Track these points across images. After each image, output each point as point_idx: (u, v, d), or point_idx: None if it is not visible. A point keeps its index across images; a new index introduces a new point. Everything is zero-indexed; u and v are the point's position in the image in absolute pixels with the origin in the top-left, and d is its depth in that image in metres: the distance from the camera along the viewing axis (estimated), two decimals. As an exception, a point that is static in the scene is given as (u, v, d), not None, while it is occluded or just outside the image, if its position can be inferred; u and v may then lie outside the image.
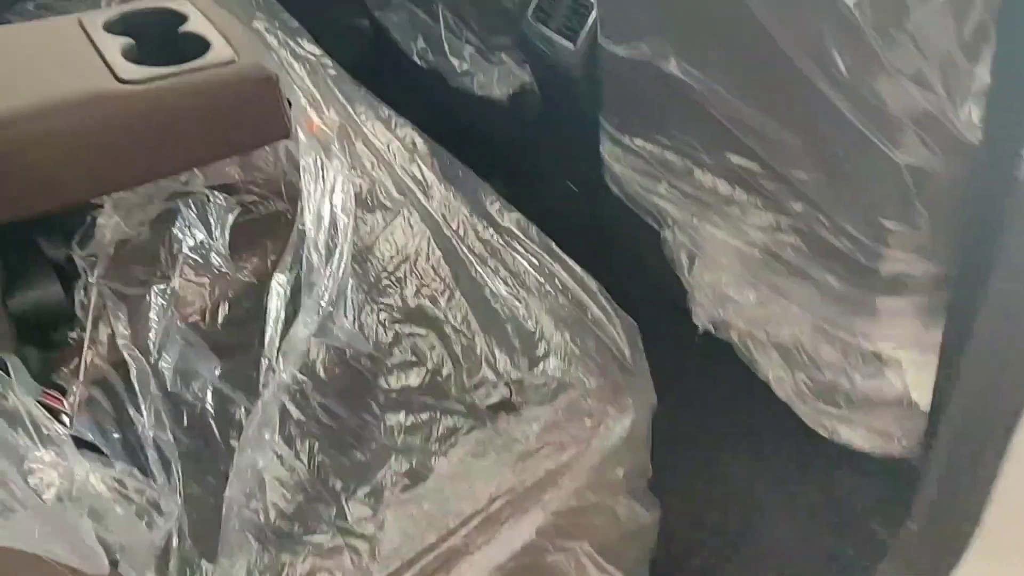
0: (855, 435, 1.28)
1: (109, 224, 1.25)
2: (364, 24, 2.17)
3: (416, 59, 1.92)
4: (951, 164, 1.02)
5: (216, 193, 1.30)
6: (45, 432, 0.89)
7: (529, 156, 1.86)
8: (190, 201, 1.27)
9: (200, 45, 1.26)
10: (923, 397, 1.18)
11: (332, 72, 1.60)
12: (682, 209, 1.39)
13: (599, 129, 1.53)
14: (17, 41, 1.30)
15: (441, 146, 1.54)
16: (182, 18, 1.31)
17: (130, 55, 1.23)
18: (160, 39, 1.30)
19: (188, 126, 1.20)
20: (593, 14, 1.46)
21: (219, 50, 1.23)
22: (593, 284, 1.25)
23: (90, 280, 1.20)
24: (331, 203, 1.24)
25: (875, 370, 1.23)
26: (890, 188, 1.08)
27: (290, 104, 1.32)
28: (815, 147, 1.15)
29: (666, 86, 1.28)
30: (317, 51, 1.66)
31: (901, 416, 1.23)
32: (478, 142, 1.82)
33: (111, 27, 1.28)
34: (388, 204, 1.33)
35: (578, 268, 1.26)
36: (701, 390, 1.67)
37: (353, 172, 1.36)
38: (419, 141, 1.49)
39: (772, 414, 1.35)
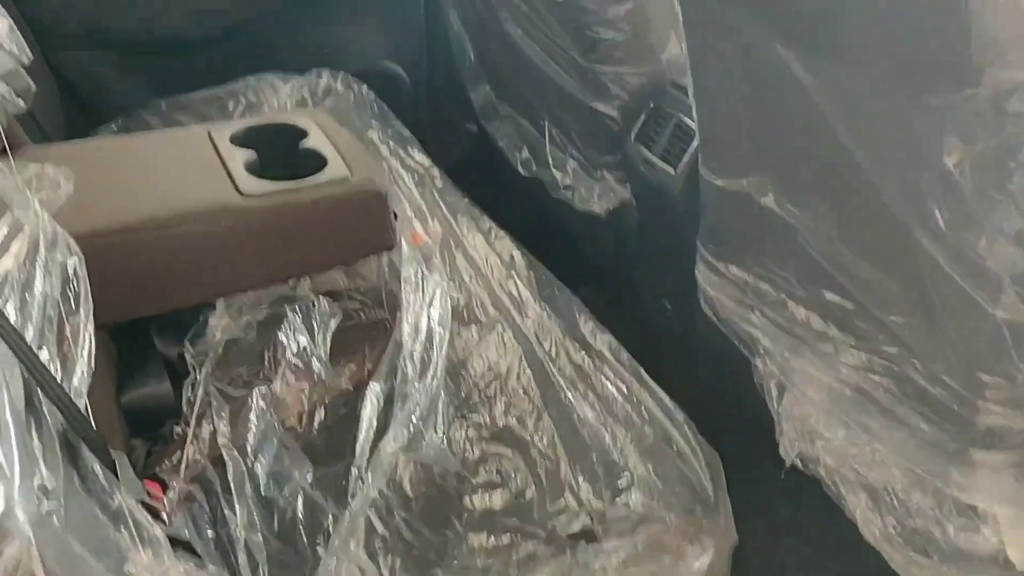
0: (947, 588, 1.24)
1: (220, 324, 1.31)
2: (472, 129, 2.25)
3: (520, 168, 1.98)
4: (1052, 322, 1.00)
5: (321, 298, 1.35)
6: (145, 534, 0.93)
7: (625, 271, 1.88)
8: (296, 306, 1.33)
9: (317, 160, 1.34)
10: (1019, 556, 1.14)
11: (438, 183, 1.67)
12: (774, 340, 1.39)
13: (695, 252, 1.54)
14: (152, 149, 1.40)
15: (539, 253, 1.57)
16: (303, 133, 1.40)
17: (252, 167, 1.32)
18: (282, 152, 1.38)
19: (301, 238, 1.27)
20: (694, 143, 1.49)
21: (334, 167, 1.31)
22: (680, 415, 1.26)
23: (198, 378, 1.26)
24: (429, 316, 1.28)
25: (969, 523, 1.19)
26: (987, 341, 1.06)
27: (396, 216, 1.38)
28: (911, 293, 1.14)
29: (763, 219, 1.30)
30: (426, 161, 1.74)
31: (996, 573, 1.18)
32: (575, 253, 1.86)
33: (237, 139, 1.38)
34: (483, 319, 1.37)
35: (666, 398, 1.27)
36: (786, 525, 1.63)
37: (452, 285, 1.40)
38: (517, 255, 1.53)
39: (859, 556, 1.32)
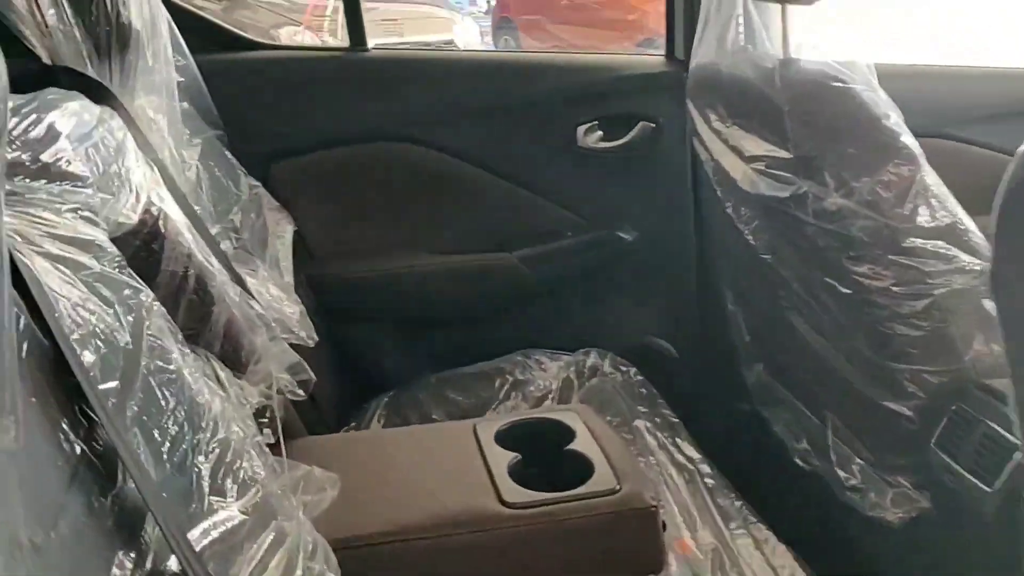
0: None
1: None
2: (745, 409, 2.12)
3: (797, 460, 1.82)
4: None
5: (578, 614, 1.24)
6: None
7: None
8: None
9: (584, 466, 1.27)
10: None
11: (709, 481, 1.55)
12: None
13: (1022, 582, 1.30)
14: (418, 446, 1.39)
15: (823, 566, 1.39)
16: (570, 434, 1.34)
17: (516, 469, 1.27)
18: (547, 452, 1.33)
19: (564, 553, 1.20)
20: (1015, 459, 1.29)
21: (601, 477, 1.24)
22: None
23: None
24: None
25: None
26: None
27: (664, 527, 1.27)
28: None
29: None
30: (696, 454, 1.63)
31: None
32: (866, 567, 1.64)
33: (501, 437, 1.34)
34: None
35: None
36: None
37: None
38: (800, 574, 1.36)
39: None
